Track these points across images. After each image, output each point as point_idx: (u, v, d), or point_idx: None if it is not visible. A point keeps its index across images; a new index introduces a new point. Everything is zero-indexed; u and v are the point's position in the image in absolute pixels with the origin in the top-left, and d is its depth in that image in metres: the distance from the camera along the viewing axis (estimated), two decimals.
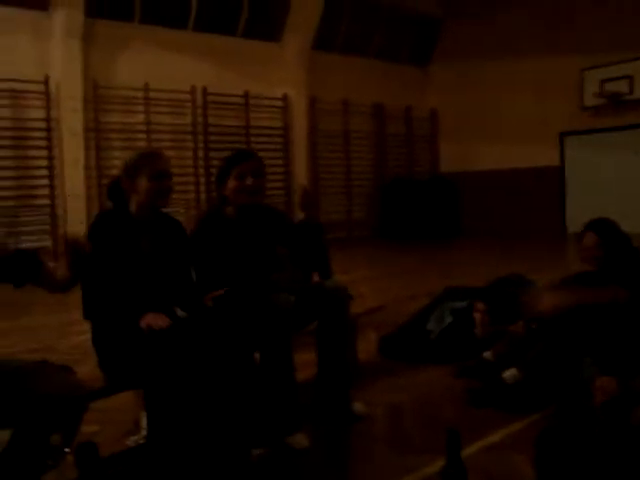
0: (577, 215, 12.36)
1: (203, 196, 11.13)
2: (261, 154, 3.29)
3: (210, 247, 3.00)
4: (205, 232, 3.05)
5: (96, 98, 10.08)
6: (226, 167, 3.10)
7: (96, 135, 10.14)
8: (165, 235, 2.80)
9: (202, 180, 11.21)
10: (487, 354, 3.72)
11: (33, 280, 2.43)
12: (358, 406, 3.20)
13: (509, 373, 3.33)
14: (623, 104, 11.57)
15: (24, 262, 2.38)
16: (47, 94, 9.61)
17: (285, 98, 12.35)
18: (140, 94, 10.48)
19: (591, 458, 1.85)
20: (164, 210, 2.87)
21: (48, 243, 9.78)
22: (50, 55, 9.66)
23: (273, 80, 12.16)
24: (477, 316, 3.88)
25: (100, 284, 2.60)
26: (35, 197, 9.78)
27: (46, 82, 9.55)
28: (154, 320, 2.50)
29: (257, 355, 2.89)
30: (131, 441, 2.92)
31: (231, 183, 3.06)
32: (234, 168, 3.05)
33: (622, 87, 11.47)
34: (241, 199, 3.06)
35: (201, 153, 11.27)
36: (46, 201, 9.78)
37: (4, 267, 2.33)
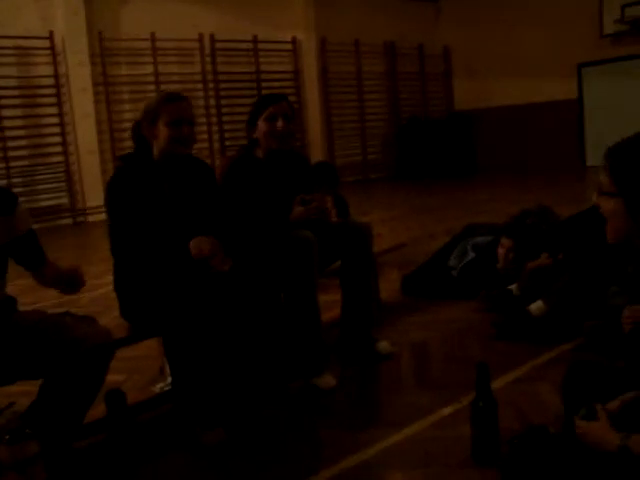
0: (596, 148, 12.15)
1: (216, 145, 11.04)
2: None
3: (240, 188, 2.96)
4: (236, 173, 3.01)
5: (103, 51, 9.92)
6: (256, 109, 3.04)
7: (105, 89, 10.02)
8: (190, 178, 2.73)
9: (215, 129, 11.10)
10: (512, 287, 3.68)
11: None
12: (383, 345, 3.19)
13: (535, 305, 3.30)
14: None
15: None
16: (53, 49, 9.46)
17: (294, 41, 12.11)
18: (147, 44, 10.29)
19: (620, 388, 1.82)
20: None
21: (65, 200, 9.80)
22: (53, 9, 9.48)
23: (281, 23, 11.90)
24: (501, 252, 3.82)
25: (123, 233, 2.55)
26: (48, 155, 9.72)
27: (51, 37, 9.40)
28: (200, 246, 2.47)
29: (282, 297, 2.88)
30: (157, 388, 2.95)
31: (262, 126, 3.02)
32: (265, 110, 3.00)
33: None
34: (271, 143, 3.04)
35: (212, 101, 11.13)
36: (60, 158, 9.74)
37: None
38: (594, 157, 12.06)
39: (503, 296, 3.66)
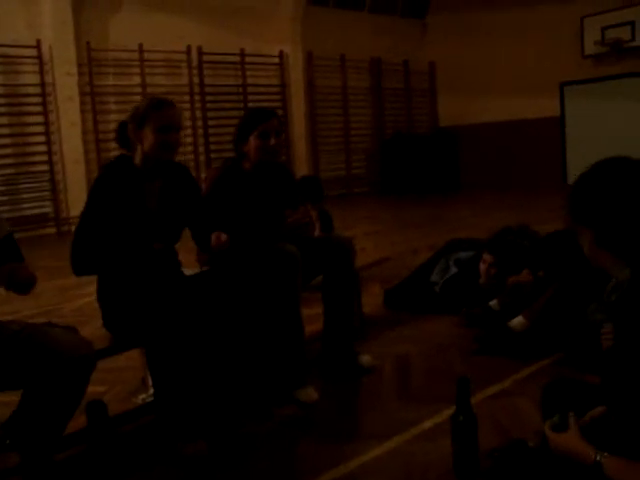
0: (577, 166, 12.25)
1: (202, 157, 11.04)
2: None
3: (227, 199, 2.98)
4: (223, 185, 3.03)
5: (90, 61, 9.91)
6: (248, 124, 3.05)
7: (92, 99, 10.00)
8: (171, 184, 2.73)
9: (200, 141, 11.11)
10: (493, 303, 3.72)
11: None
12: (365, 358, 3.21)
13: (516, 321, 3.34)
14: (625, 51, 11.37)
15: None
16: (40, 58, 9.45)
17: (281, 55, 12.17)
18: (135, 55, 10.30)
19: (597, 404, 1.84)
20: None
21: (49, 209, 9.74)
22: (41, 18, 9.47)
23: (269, 37, 11.96)
24: (483, 267, 3.86)
25: (99, 239, 2.54)
26: (34, 164, 9.67)
27: (38, 46, 9.38)
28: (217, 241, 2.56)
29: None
30: (139, 399, 2.94)
31: (253, 142, 3.03)
32: (257, 127, 3.02)
33: (624, 34, 11.25)
34: (262, 158, 3.07)
35: (199, 114, 11.14)
36: (45, 167, 9.69)
37: None
38: (575, 175, 12.13)
39: (484, 314, 3.70)
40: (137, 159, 2.65)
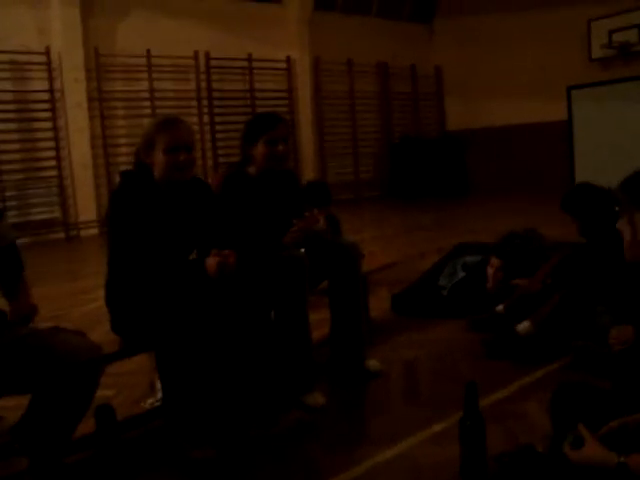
0: (585, 170, 12.24)
1: (209, 162, 11.07)
2: None
3: (232, 205, 2.96)
4: (228, 190, 3.02)
5: (98, 67, 9.97)
6: (257, 130, 3.04)
7: (100, 104, 10.06)
8: (190, 201, 2.70)
9: (208, 146, 11.13)
10: (499, 308, 3.71)
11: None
12: (373, 363, 3.21)
13: (522, 326, 3.33)
14: (633, 55, 11.33)
15: None
16: (49, 65, 9.51)
17: (289, 60, 12.20)
18: (142, 61, 10.35)
19: (607, 409, 1.84)
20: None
21: (58, 214, 9.79)
22: (50, 25, 9.54)
23: (276, 42, 11.99)
24: (490, 272, 3.86)
25: (123, 245, 2.54)
26: (42, 169, 9.71)
27: (47, 53, 9.44)
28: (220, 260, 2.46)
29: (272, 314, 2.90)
30: (147, 404, 2.95)
31: (261, 148, 3.01)
32: (265, 133, 3.00)
33: (631, 37, 11.21)
34: (270, 165, 3.06)
35: (206, 119, 11.17)
36: (53, 172, 9.74)
37: None
38: (583, 178, 12.13)
39: (490, 319, 3.69)
40: (156, 178, 2.62)
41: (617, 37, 11.33)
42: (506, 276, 3.80)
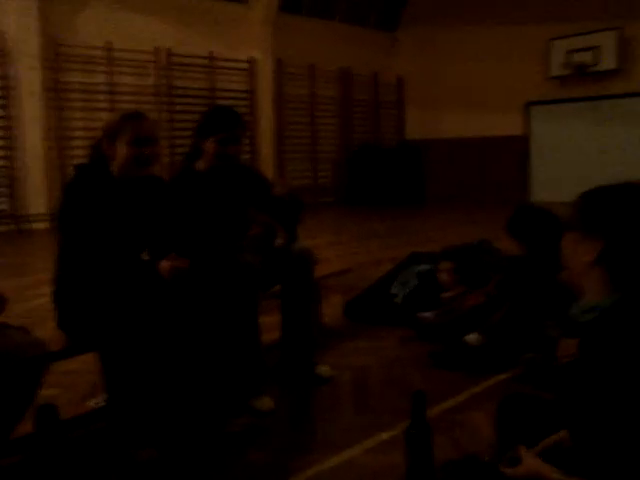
0: (541, 183, 12.52)
1: (166, 159, 10.93)
2: None
3: (181, 203, 2.90)
4: (176, 188, 2.96)
5: (55, 56, 9.77)
6: (212, 126, 2.98)
7: (56, 95, 9.85)
8: (145, 198, 2.66)
9: (166, 143, 10.99)
10: (427, 315, 3.78)
11: None
12: (323, 369, 3.20)
13: (472, 336, 3.37)
14: (588, 75, 11.64)
15: None
16: (2, 50, 9.28)
17: (251, 61, 12.15)
18: (102, 53, 10.20)
19: (550, 421, 1.87)
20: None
21: (6, 206, 9.55)
22: (4, 7, 9.29)
23: (239, 42, 11.95)
24: (444, 276, 3.90)
25: (74, 241, 2.48)
26: None
27: (0, 38, 9.21)
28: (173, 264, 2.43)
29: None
30: (92, 403, 2.88)
31: (212, 146, 2.97)
32: (220, 132, 2.95)
33: (587, 58, 11.53)
34: (219, 163, 3.02)
35: (165, 115, 11.05)
36: (4, 163, 9.51)
37: None
38: (539, 192, 12.41)
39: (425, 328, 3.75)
40: (114, 172, 2.56)
41: (574, 57, 11.63)
42: (462, 278, 3.84)
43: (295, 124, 13.03)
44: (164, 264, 2.44)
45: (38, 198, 9.54)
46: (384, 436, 2.58)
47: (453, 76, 13.48)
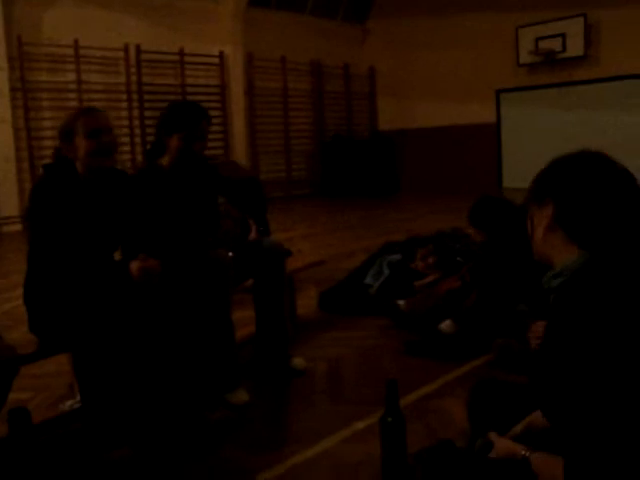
0: (512, 171, 12.61)
1: (139, 157, 10.85)
2: None
3: (146, 200, 2.87)
4: (139, 185, 2.92)
5: (22, 55, 9.62)
6: (176, 122, 2.92)
7: (24, 94, 9.71)
8: (113, 195, 2.65)
9: (138, 140, 10.92)
10: (401, 303, 3.81)
11: None
12: (298, 361, 3.22)
13: (445, 324, 3.40)
14: (557, 62, 11.74)
15: None
16: None
17: (221, 55, 12.08)
18: (70, 51, 10.05)
19: (523, 405, 1.89)
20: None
21: None
22: None
23: (209, 37, 11.86)
24: (422, 264, 3.94)
25: (43, 241, 2.47)
26: None
27: None
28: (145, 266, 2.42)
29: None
30: (66, 406, 2.87)
31: (177, 142, 2.92)
32: (185, 129, 2.90)
33: (556, 45, 11.61)
34: (183, 159, 2.98)
35: (136, 113, 10.95)
36: None
37: None
38: (510, 179, 12.52)
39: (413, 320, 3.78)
40: (80, 170, 2.56)
41: (543, 44, 11.71)
42: (439, 260, 3.89)
43: (267, 117, 12.99)
44: (133, 265, 2.44)
45: (9, 200, 9.41)
46: (360, 425, 2.60)
47: (424, 66, 13.51)
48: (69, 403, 2.87)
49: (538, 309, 2.94)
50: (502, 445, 1.69)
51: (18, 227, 9.35)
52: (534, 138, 12.14)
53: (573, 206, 1.47)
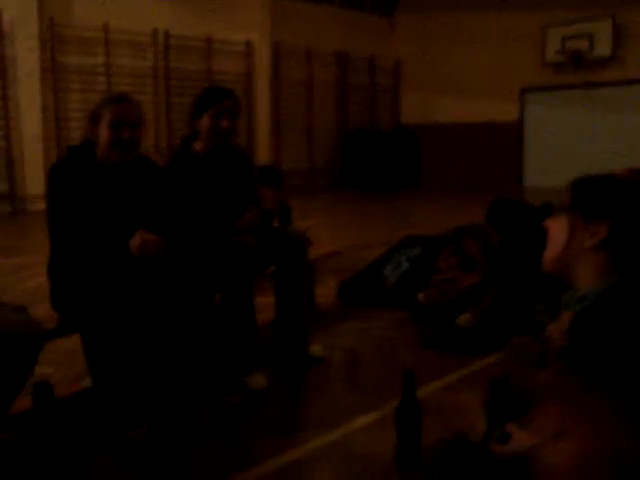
0: (534, 170, 12.54)
1: (163, 142, 10.92)
2: None
3: (178, 184, 2.91)
4: (174, 169, 2.98)
5: (53, 37, 9.72)
6: (203, 102, 2.98)
7: (53, 76, 9.81)
8: (135, 182, 2.66)
9: (162, 125, 10.98)
10: (420, 296, 3.82)
11: None
12: (315, 348, 3.25)
13: (463, 318, 3.41)
14: (583, 62, 11.63)
15: None
16: (0, 32, 9.23)
17: (248, 44, 12.10)
18: (100, 34, 10.14)
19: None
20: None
21: (4, 187, 9.53)
22: None
23: (237, 25, 11.88)
24: (442, 264, 3.95)
25: (60, 221, 2.51)
26: None
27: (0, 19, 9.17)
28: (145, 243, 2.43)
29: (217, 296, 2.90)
30: (87, 382, 2.91)
31: (206, 121, 2.96)
32: (212, 106, 2.95)
33: (583, 45, 11.51)
34: (215, 140, 3.01)
35: (162, 97, 11.02)
36: (1, 144, 9.48)
37: None
38: (531, 178, 12.45)
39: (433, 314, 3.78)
40: (99, 155, 2.58)
41: (570, 44, 11.61)
42: (461, 261, 3.89)
43: (292, 107, 13.00)
44: (132, 241, 2.44)
45: (36, 179, 9.51)
46: (374, 416, 2.62)
47: (449, 61, 13.45)
48: (89, 379, 2.92)
49: (555, 310, 2.94)
50: (522, 437, 1.70)
51: (43, 206, 9.41)
52: (557, 138, 12.06)
53: (632, 231, 1.44)
